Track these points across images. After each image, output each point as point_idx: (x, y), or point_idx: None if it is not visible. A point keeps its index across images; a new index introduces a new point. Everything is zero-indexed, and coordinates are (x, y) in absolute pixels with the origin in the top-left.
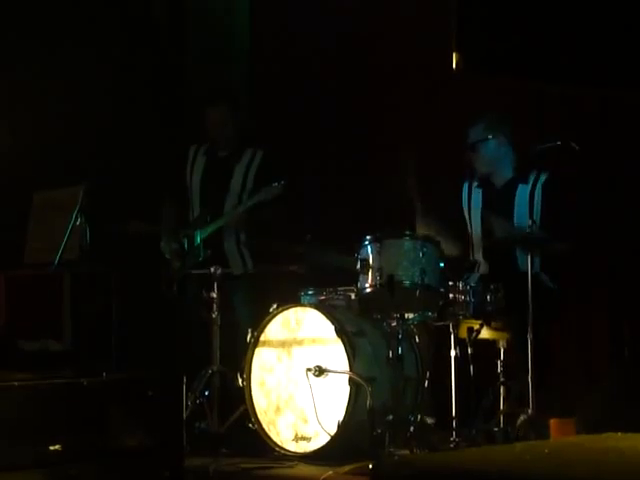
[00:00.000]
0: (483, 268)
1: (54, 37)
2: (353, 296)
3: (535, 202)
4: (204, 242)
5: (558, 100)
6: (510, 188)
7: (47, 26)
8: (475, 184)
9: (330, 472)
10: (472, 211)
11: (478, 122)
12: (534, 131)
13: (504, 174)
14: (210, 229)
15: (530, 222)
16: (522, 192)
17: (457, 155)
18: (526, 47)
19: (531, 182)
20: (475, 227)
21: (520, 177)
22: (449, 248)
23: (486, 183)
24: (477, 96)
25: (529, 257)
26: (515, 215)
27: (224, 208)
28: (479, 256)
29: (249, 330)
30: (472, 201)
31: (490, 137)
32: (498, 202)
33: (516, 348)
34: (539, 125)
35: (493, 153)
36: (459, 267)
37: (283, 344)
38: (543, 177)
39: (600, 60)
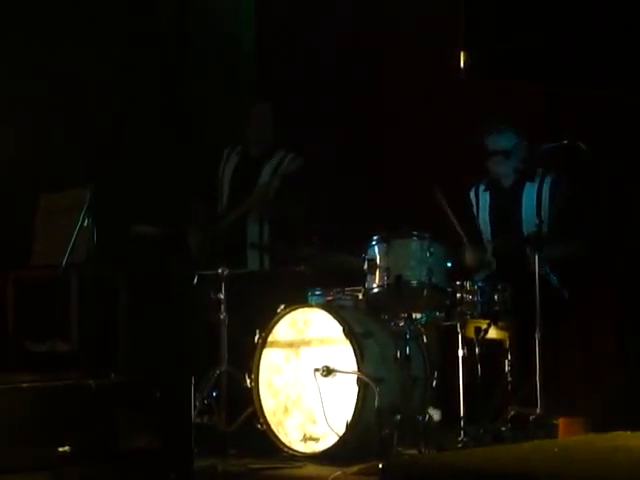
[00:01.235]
0: (492, 267)
1: (56, 37)
2: (361, 296)
3: (543, 201)
4: (228, 229)
5: (564, 99)
6: (517, 187)
7: (49, 27)
8: (482, 187)
9: (338, 472)
10: (480, 213)
11: (504, 128)
12: (542, 131)
13: (512, 177)
14: (235, 214)
15: (537, 221)
16: (529, 191)
17: (461, 156)
18: (534, 48)
19: (537, 181)
20: (484, 229)
21: (526, 176)
22: (469, 257)
23: (494, 185)
24: (483, 96)
25: (536, 257)
26: (523, 214)
27: None
28: (489, 257)
29: (257, 331)
30: (480, 204)
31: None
32: (506, 202)
33: (523, 348)
34: (547, 125)
35: (519, 158)
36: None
37: (291, 344)
38: (549, 178)
39: (609, 61)
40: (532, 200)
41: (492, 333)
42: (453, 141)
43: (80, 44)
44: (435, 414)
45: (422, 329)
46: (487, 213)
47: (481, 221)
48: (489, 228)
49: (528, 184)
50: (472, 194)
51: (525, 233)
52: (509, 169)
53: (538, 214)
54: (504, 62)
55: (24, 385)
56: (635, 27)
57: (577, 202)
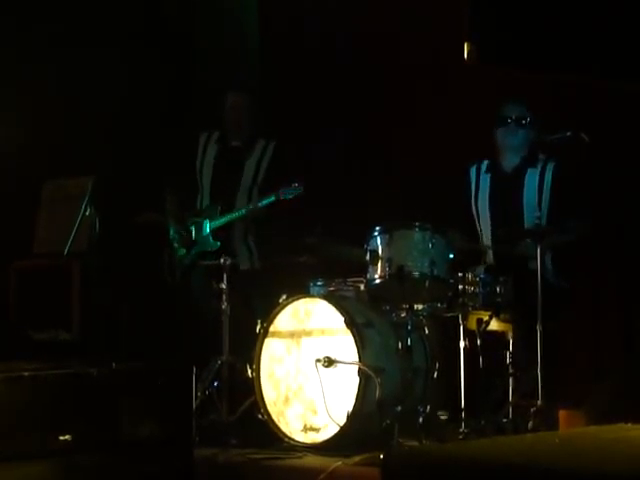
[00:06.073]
0: (489, 258)
1: (64, 32)
2: (362, 287)
3: (544, 189)
4: (213, 233)
5: (567, 90)
6: (519, 173)
7: (57, 21)
8: (484, 169)
9: (339, 463)
10: (479, 196)
11: (519, 100)
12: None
13: (515, 159)
14: (222, 221)
15: (538, 213)
16: (531, 177)
17: (464, 148)
18: (539, 37)
19: (540, 167)
20: (483, 213)
21: (529, 162)
22: (457, 240)
23: (495, 168)
24: (486, 89)
25: (538, 248)
26: (524, 200)
27: (235, 201)
28: (488, 242)
29: (258, 321)
30: (480, 185)
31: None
32: (507, 187)
33: (524, 340)
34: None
35: (528, 136)
36: (468, 256)
37: (292, 335)
38: (551, 164)
39: (612, 51)
40: (534, 186)
41: (494, 325)
42: (457, 133)
43: (81, 37)
44: (439, 411)
45: (423, 320)
46: (487, 197)
47: (479, 204)
48: (488, 213)
49: (530, 170)
50: (473, 171)
51: (525, 222)
52: (517, 141)
53: (539, 202)
54: (506, 51)
55: (26, 374)
56: (637, 16)
57: (578, 185)
